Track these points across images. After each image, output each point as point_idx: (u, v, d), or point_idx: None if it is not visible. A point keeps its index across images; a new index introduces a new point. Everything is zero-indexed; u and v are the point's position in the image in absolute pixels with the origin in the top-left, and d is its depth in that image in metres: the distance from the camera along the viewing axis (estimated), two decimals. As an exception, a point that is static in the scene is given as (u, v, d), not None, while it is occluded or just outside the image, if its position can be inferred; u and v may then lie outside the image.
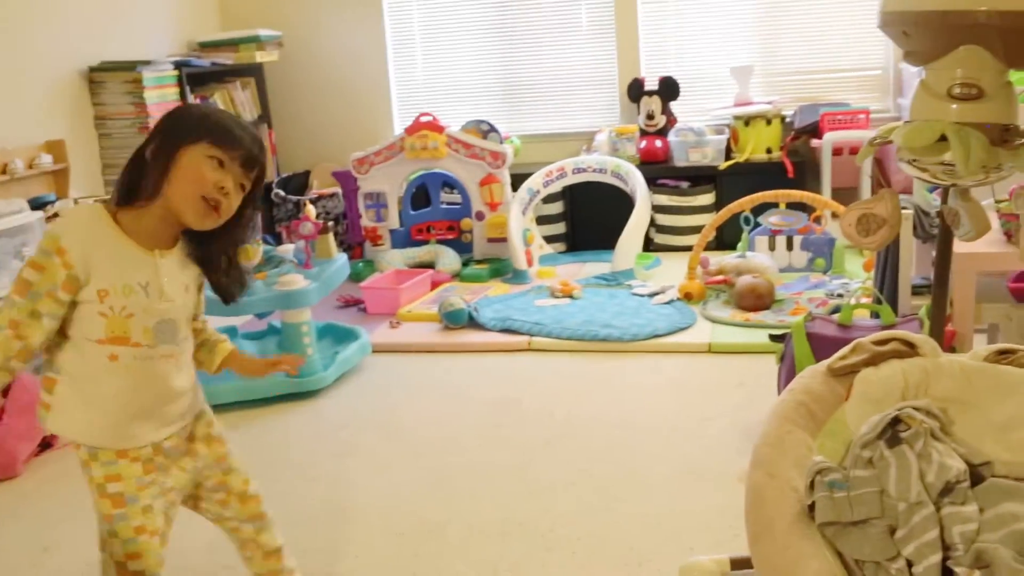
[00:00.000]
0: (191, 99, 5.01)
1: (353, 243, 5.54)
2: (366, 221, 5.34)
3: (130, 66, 4.66)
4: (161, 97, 4.80)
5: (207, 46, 5.62)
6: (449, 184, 5.45)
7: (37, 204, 3.95)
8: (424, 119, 5.15)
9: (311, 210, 3.84)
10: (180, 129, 1.67)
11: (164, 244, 1.71)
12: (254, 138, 1.72)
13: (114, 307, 1.63)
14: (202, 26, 5.86)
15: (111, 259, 1.63)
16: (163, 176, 1.64)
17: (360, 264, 5.21)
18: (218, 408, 3.43)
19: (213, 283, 1.80)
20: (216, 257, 1.77)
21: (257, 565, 1.96)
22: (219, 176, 1.65)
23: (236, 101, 5.54)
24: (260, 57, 5.64)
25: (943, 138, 1.80)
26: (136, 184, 1.68)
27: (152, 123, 4.60)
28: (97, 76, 4.69)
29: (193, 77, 5.15)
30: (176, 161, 1.64)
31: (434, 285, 4.85)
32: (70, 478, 2.99)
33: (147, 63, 4.72)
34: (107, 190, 4.71)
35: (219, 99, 5.35)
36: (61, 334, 1.67)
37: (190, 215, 1.66)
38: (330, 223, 5.15)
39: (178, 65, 4.97)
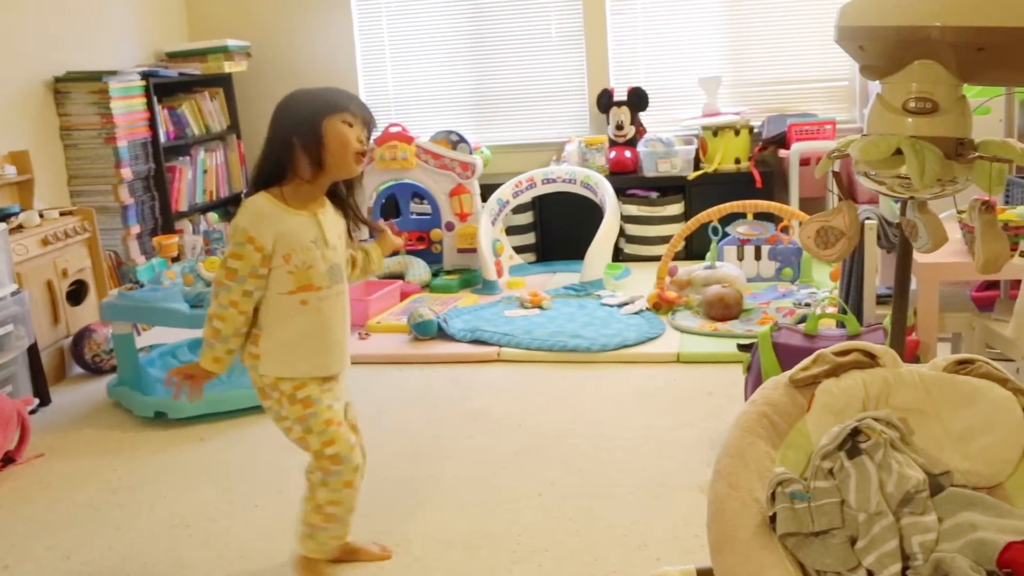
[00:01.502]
0: (158, 110, 4.97)
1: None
2: (336, 232, 5.32)
3: (96, 76, 4.61)
4: (127, 108, 4.75)
5: (175, 56, 5.58)
6: (419, 195, 5.44)
7: (1, 215, 3.90)
8: (393, 129, 5.15)
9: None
10: (311, 109, 2.05)
11: (319, 204, 2.13)
12: (360, 100, 2.12)
13: (298, 264, 2.06)
14: (170, 36, 5.82)
15: (287, 229, 2.05)
16: (320, 150, 2.04)
17: (330, 275, 5.18)
18: (185, 421, 3.42)
19: (348, 216, 2.24)
20: (347, 196, 2.21)
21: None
22: (357, 132, 2.07)
23: (204, 112, 5.49)
24: (229, 67, 5.60)
25: (899, 151, 1.82)
26: (283, 166, 2.06)
27: (119, 133, 4.63)
28: (63, 86, 4.63)
29: (160, 87, 5.11)
30: (324, 134, 2.03)
31: (403, 296, 4.83)
32: (33, 494, 2.95)
33: (113, 73, 4.67)
34: (73, 201, 4.66)
35: (187, 110, 5.30)
36: None
37: (348, 168, 2.09)
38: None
39: (145, 75, 4.93)
